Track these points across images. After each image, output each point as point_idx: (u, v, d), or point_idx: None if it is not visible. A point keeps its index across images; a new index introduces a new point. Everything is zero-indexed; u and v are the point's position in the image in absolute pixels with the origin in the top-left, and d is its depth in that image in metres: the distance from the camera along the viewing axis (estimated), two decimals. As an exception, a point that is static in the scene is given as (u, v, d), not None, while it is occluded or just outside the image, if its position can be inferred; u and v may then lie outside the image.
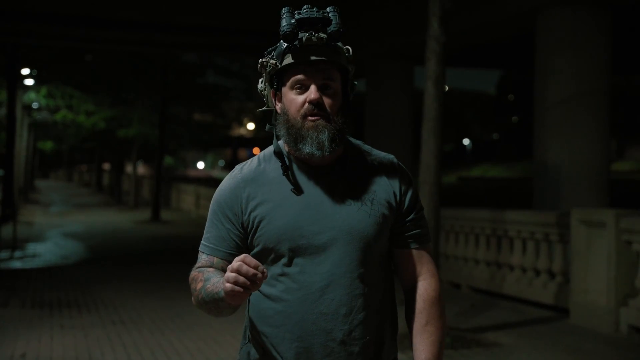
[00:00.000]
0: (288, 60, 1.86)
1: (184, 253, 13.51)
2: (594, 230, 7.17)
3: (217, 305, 1.81)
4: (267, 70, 1.91)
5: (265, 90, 1.98)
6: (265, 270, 1.65)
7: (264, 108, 2.01)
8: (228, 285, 1.65)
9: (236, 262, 1.64)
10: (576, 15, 10.37)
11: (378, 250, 1.93)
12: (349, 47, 1.93)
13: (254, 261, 1.64)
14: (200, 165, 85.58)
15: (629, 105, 45.54)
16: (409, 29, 14.09)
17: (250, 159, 2.01)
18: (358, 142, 2.02)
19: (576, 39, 10.37)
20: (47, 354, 5.96)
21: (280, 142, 1.95)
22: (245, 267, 1.63)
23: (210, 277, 1.85)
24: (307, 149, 1.84)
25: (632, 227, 6.82)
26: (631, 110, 46.30)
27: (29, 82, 24.41)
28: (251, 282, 1.64)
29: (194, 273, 1.93)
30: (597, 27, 10.45)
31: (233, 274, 1.64)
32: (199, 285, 1.86)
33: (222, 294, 1.72)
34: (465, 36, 13.94)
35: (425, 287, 1.97)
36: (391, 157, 2.02)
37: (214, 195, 1.99)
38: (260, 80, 1.99)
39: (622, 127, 44.80)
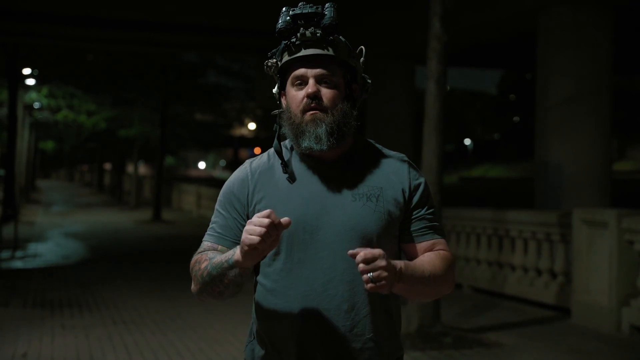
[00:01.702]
0: (286, 57, 1.88)
1: (185, 253, 13.44)
2: (596, 230, 7.16)
3: (223, 278, 1.81)
4: (272, 70, 1.94)
5: (278, 93, 2.00)
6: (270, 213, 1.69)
7: (276, 111, 2.00)
8: (255, 238, 1.67)
9: (264, 220, 1.67)
10: (578, 14, 10.37)
11: (382, 247, 1.92)
12: (362, 47, 1.97)
13: (266, 215, 1.68)
14: (202, 165, 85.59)
15: (631, 105, 45.50)
16: (410, 29, 14.09)
17: (260, 155, 2.03)
18: (370, 140, 2.03)
19: (578, 38, 10.37)
20: (48, 354, 5.95)
21: (287, 141, 1.97)
22: (270, 223, 1.67)
23: (216, 255, 1.87)
24: (305, 143, 1.86)
25: (633, 227, 6.80)
26: (633, 110, 46.26)
27: (30, 81, 24.42)
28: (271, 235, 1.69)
29: (196, 257, 1.94)
30: (598, 26, 10.44)
31: (264, 230, 1.67)
32: (204, 264, 1.87)
33: (232, 260, 1.75)
34: (467, 35, 13.94)
35: (439, 251, 1.97)
36: (402, 155, 2.02)
37: (223, 186, 2.02)
38: (277, 84, 2.00)
39: (623, 127, 44.76)
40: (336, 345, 1.87)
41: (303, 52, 1.85)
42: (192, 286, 1.92)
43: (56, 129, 31.43)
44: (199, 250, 1.97)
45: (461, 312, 7.91)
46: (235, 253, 1.75)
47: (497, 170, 52.84)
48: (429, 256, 1.94)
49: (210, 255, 1.88)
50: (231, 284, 1.81)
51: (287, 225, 1.68)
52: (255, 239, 1.66)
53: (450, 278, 1.96)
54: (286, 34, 1.86)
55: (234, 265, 1.76)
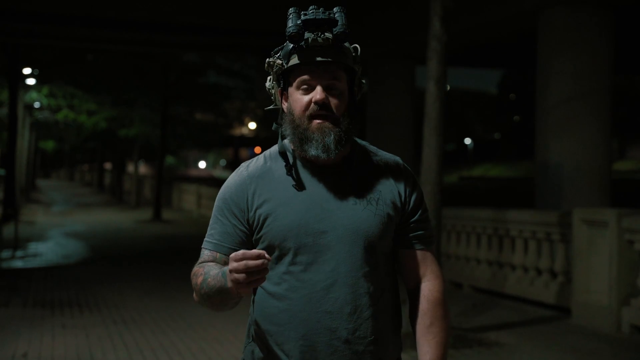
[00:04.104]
0: (294, 60, 1.86)
1: (185, 253, 13.53)
2: (596, 229, 7.16)
3: (222, 298, 1.80)
4: (274, 70, 1.92)
5: (272, 88, 1.99)
6: (264, 253, 1.64)
7: (271, 107, 2.01)
8: (240, 286, 1.64)
9: (241, 264, 1.62)
10: (578, 14, 10.37)
11: (382, 250, 1.93)
12: (357, 46, 1.94)
13: (253, 253, 1.63)
14: (202, 164, 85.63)
15: (631, 104, 45.52)
16: (410, 29, 14.09)
17: (256, 157, 2.01)
18: (364, 142, 2.02)
19: (578, 38, 10.37)
20: (49, 354, 5.96)
21: (286, 141, 1.95)
22: (252, 263, 1.62)
23: (210, 270, 1.85)
24: (312, 151, 1.84)
25: (634, 227, 6.81)
26: (633, 109, 46.28)
27: (31, 81, 24.43)
28: (261, 272, 1.64)
29: (195, 269, 1.93)
30: (598, 26, 10.45)
31: (242, 275, 1.63)
32: (200, 280, 1.86)
33: (227, 287, 1.71)
34: (467, 36, 13.94)
35: (429, 288, 1.97)
36: (397, 158, 2.02)
37: (220, 192, 1.99)
38: (269, 78, 1.99)
39: (623, 127, 44.77)
40: (339, 348, 1.87)
41: (313, 58, 1.84)
42: (194, 295, 1.92)
43: (56, 128, 31.47)
44: (199, 260, 1.96)
45: (461, 311, 7.91)
46: (228, 281, 1.71)
47: (497, 169, 52.89)
48: (433, 334, 1.94)
49: (206, 269, 1.87)
50: (231, 301, 1.81)
51: (265, 257, 1.63)
52: (240, 276, 1.64)
53: (448, 318, 1.99)
54: (297, 38, 1.83)
55: (229, 291, 1.73)
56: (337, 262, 1.86)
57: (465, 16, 12.04)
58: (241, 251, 1.64)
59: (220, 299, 1.81)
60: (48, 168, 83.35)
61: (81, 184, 58.93)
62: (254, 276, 1.63)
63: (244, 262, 1.62)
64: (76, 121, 27.26)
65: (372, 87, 16.30)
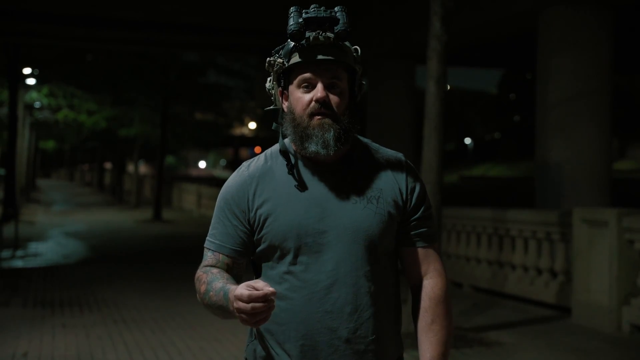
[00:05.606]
0: (295, 59, 1.86)
1: (185, 252, 13.54)
2: (596, 229, 7.16)
3: (224, 314, 1.82)
4: (275, 69, 1.92)
5: (273, 89, 1.99)
6: (272, 290, 1.65)
7: (271, 107, 2.00)
8: (245, 323, 1.67)
9: (247, 306, 1.63)
10: (578, 14, 10.37)
11: (383, 249, 1.93)
12: (357, 47, 1.94)
13: (260, 294, 1.63)
14: (202, 164, 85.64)
15: (631, 104, 45.52)
16: (410, 28, 14.09)
17: (257, 157, 2.00)
18: (366, 140, 2.01)
19: (578, 38, 10.37)
20: (49, 353, 5.96)
21: (287, 141, 1.95)
22: (259, 306, 1.63)
23: (213, 280, 1.85)
24: (312, 147, 1.84)
25: (634, 226, 6.81)
26: (633, 109, 46.27)
27: (31, 81, 24.43)
28: (267, 311, 1.65)
29: (199, 273, 1.94)
30: (598, 26, 10.44)
31: (248, 316, 1.64)
32: (203, 288, 1.87)
33: (231, 309, 1.72)
34: (467, 35, 13.94)
35: (431, 285, 1.96)
36: (400, 155, 2.01)
37: (221, 192, 1.99)
38: (269, 79, 1.99)
39: (623, 126, 44.76)
40: (339, 348, 1.87)
41: (315, 57, 1.84)
42: (197, 296, 1.93)
43: (56, 128, 31.43)
44: (203, 262, 1.96)
45: (461, 311, 7.92)
46: (230, 301, 1.73)
47: (497, 169, 52.90)
48: (434, 332, 1.93)
49: (209, 277, 1.87)
50: (231, 317, 1.82)
51: (273, 294, 1.65)
52: (243, 317, 1.66)
53: (451, 316, 1.98)
54: (298, 36, 1.83)
55: (230, 311, 1.74)
56: (338, 262, 1.86)
57: (466, 16, 12.03)
58: (247, 293, 1.63)
59: (222, 313, 1.83)
60: (48, 168, 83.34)
61: (81, 184, 58.95)
62: (261, 316, 1.65)
63: (250, 305, 1.63)
64: (76, 121, 27.24)
65: (372, 86, 16.29)
